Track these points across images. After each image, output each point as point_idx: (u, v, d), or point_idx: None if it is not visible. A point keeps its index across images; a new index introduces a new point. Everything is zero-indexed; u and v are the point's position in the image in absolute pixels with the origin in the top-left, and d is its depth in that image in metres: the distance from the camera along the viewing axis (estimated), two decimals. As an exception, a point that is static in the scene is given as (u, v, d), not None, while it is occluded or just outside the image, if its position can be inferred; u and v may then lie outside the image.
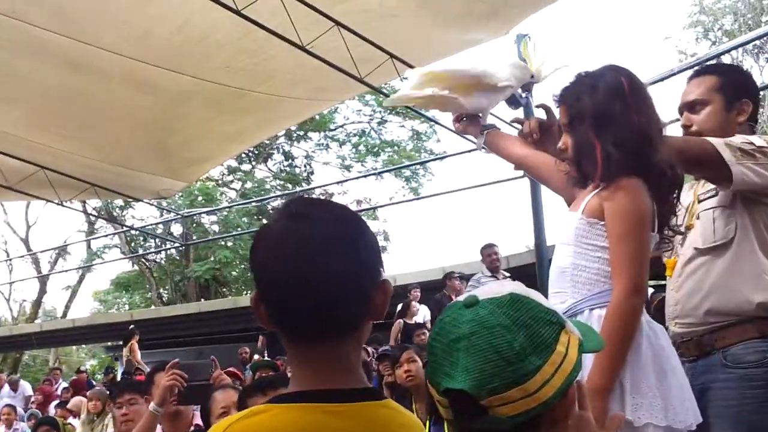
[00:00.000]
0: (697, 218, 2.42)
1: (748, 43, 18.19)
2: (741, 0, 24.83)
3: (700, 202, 2.46)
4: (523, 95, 2.84)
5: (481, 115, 2.53)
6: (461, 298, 1.24)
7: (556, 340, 1.18)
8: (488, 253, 8.66)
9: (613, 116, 2.00)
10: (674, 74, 8.24)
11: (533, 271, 8.81)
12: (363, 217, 1.36)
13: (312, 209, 1.25)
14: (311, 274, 1.18)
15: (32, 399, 12.41)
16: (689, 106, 2.54)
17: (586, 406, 1.27)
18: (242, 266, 25.16)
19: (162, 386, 3.32)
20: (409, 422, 1.30)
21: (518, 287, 1.24)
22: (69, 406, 9.78)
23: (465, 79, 2.48)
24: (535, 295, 1.23)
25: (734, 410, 2.24)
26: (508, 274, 8.77)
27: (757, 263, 2.34)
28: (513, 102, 2.67)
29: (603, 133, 2.02)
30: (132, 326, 11.83)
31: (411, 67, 8.06)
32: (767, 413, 2.25)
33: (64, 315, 29.22)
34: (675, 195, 2.03)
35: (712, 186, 2.41)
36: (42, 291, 29.27)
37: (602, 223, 1.98)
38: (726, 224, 2.37)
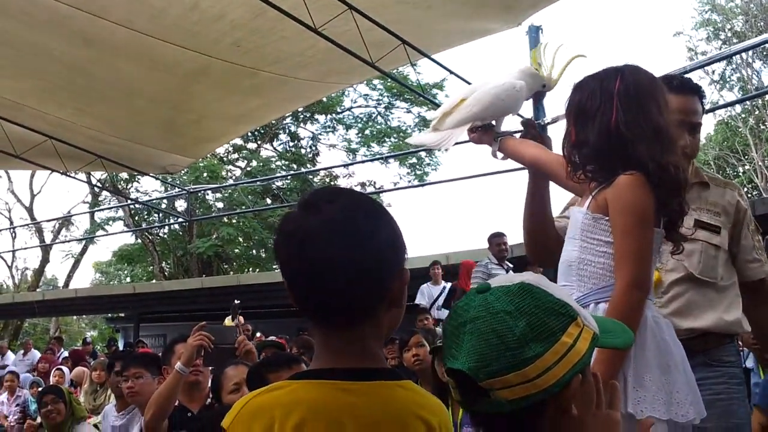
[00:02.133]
0: (693, 239, 2.44)
1: (758, 45, 18.09)
2: (753, 1, 24.69)
3: (701, 227, 2.52)
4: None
5: (494, 123, 2.54)
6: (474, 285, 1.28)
7: (563, 330, 1.19)
8: (497, 242, 8.63)
9: (590, 112, 2.03)
10: (686, 72, 8.22)
11: (537, 262, 8.79)
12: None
13: (324, 201, 1.29)
14: (318, 263, 1.23)
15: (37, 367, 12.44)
16: (693, 128, 2.58)
17: (617, 406, 1.29)
18: (245, 244, 25.21)
19: (190, 345, 3.37)
20: (429, 403, 1.33)
21: (535, 278, 1.26)
22: (71, 376, 9.85)
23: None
24: (551, 287, 1.26)
25: (725, 403, 2.44)
26: (511, 265, 8.75)
27: (740, 305, 2.58)
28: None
29: (579, 129, 2.06)
30: (238, 301, 11.95)
31: (422, 54, 8.11)
32: (747, 405, 2.60)
33: (66, 285, 29.30)
34: (680, 195, 2.01)
35: (716, 222, 2.56)
36: (44, 260, 29.34)
37: (607, 218, 1.99)
38: (725, 266, 2.57)
